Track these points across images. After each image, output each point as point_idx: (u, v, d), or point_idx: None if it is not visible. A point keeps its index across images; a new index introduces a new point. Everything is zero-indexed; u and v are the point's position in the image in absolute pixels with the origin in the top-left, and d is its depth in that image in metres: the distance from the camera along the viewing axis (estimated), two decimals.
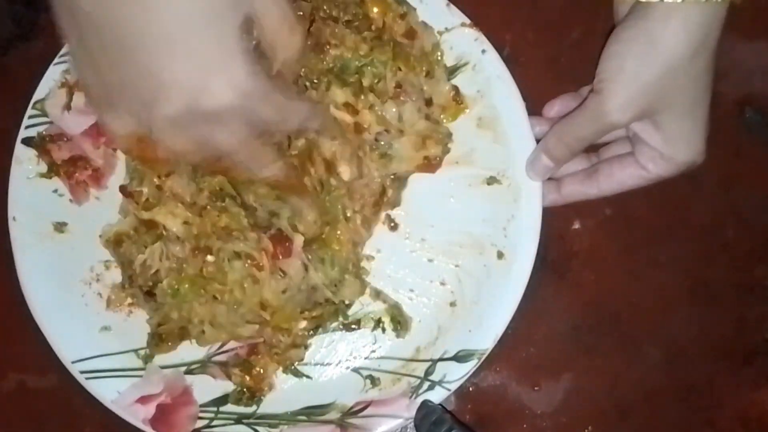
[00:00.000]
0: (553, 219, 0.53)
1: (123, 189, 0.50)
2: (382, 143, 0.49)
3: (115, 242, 0.50)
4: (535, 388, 0.53)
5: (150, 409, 0.50)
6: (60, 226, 0.52)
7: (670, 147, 0.46)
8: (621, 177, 0.48)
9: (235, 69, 0.35)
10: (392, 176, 0.50)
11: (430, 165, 0.51)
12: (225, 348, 0.51)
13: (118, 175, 0.53)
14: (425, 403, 0.51)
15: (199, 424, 0.50)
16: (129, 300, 0.51)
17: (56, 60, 0.52)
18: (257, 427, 0.50)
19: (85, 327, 0.51)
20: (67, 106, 0.52)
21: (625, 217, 0.54)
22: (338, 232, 0.49)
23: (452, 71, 0.52)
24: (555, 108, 0.52)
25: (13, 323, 0.53)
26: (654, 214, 0.54)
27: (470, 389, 0.53)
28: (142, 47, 0.34)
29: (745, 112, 0.55)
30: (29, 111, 0.52)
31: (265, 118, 0.38)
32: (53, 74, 0.52)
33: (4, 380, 0.54)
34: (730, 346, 0.54)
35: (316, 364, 0.52)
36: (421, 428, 0.51)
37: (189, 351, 0.51)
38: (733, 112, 0.55)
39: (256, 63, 0.36)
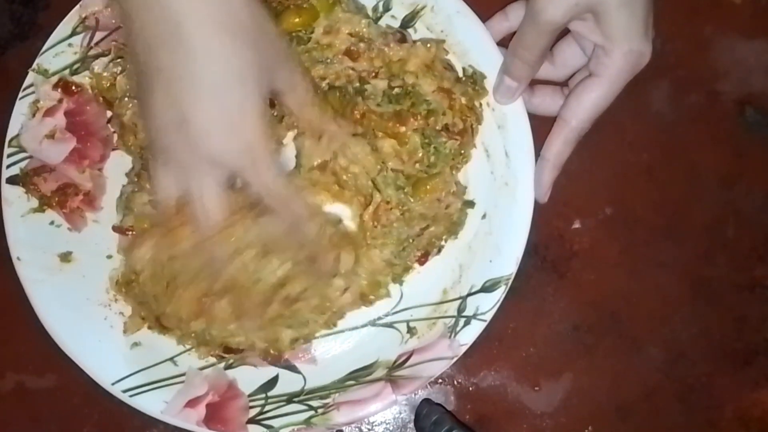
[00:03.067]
0: (553, 218, 0.53)
1: (117, 229, 0.50)
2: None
3: (126, 283, 0.50)
4: (535, 388, 0.53)
5: (201, 411, 0.50)
6: (65, 256, 0.52)
7: (610, 40, 0.46)
8: (583, 96, 0.48)
9: (246, 131, 0.41)
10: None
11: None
12: None
13: (110, 194, 0.53)
14: (426, 403, 0.51)
15: (252, 413, 0.50)
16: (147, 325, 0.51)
17: (21, 94, 0.52)
18: (309, 402, 0.50)
19: (116, 348, 0.51)
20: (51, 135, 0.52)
21: (625, 217, 0.54)
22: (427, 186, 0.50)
23: (411, 18, 0.52)
24: (504, 25, 0.52)
25: (12, 324, 0.53)
26: (654, 214, 0.54)
27: (470, 389, 0.53)
28: (181, 91, 0.40)
29: (745, 112, 0.55)
30: (6, 150, 0.52)
31: (255, 193, 0.43)
32: (21, 108, 0.52)
33: (3, 380, 0.53)
34: (730, 346, 0.54)
35: (353, 329, 0.52)
36: (422, 428, 0.51)
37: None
38: (733, 112, 0.55)
39: (273, 140, 0.43)
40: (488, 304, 0.50)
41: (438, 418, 0.50)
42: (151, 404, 0.50)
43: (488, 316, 0.50)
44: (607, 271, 0.54)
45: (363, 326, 0.52)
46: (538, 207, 0.51)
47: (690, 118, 0.55)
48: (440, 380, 0.53)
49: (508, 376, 0.53)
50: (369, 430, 0.53)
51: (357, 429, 0.53)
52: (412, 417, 0.52)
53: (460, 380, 0.53)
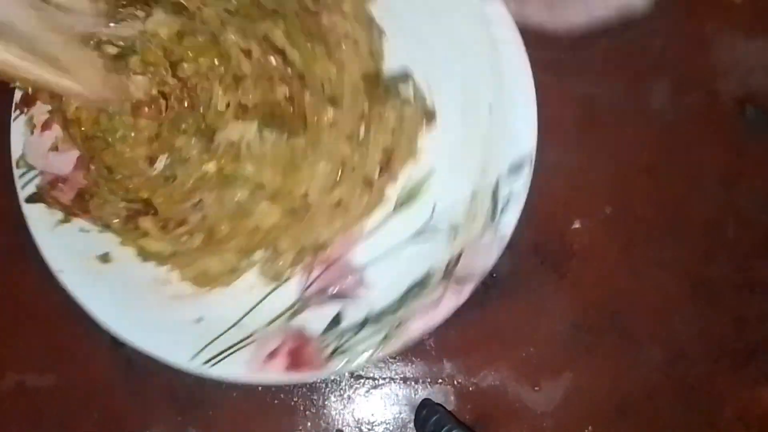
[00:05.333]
0: (553, 218, 0.53)
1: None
2: None
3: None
4: (535, 388, 0.53)
5: (282, 360, 0.50)
6: (105, 257, 0.52)
7: None
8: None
9: None
10: None
11: None
12: (311, 280, 0.52)
13: None
14: (426, 403, 0.52)
15: (329, 350, 0.50)
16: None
17: (14, 115, 0.52)
18: (379, 324, 0.50)
19: (181, 327, 0.51)
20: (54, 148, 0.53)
21: (625, 216, 0.54)
22: None
23: None
24: None
25: (12, 324, 0.53)
26: (654, 213, 0.54)
27: (470, 389, 0.53)
28: None
29: (745, 111, 0.55)
30: (16, 171, 0.52)
31: None
32: (18, 128, 0.52)
33: (3, 380, 0.54)
34: (730, 346, 0.53)
35: (397, 247, 0.52)
36: (422, 428, 0.51)
37: (280, 299, 0.52)
38: (733, 111, 0.55)
39: None
40: (520, 185, 0.51)
41: (438, 418, 0.50)
42: (232, 369, 0.50)
43: (523, 196, 0.50)
44: (607, 271, 0.54)
45: (406, 241, 0.52)
46: (538, 207, 0.51)
47: (690, 118, 0.55)
48: (440, 380, 0.53)
49: (508, 376, 0.53)
50: (369, 430, 0.53)
51: (357, 429, 0.53)
52: (412, 417, 0.52)
53: (460, 380, 0.53)
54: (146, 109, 0.49)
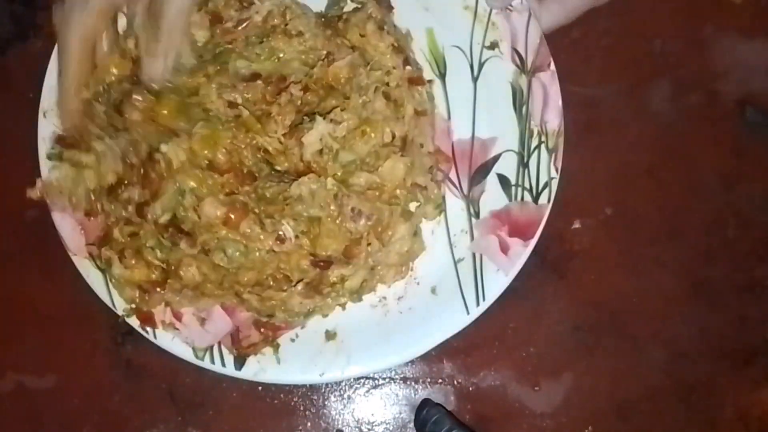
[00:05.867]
0: (553, 218, 0.53)
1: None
2: None
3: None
4: (535, 388, 0.53)
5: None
6: None
7: None
8: None
9: None
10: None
11: None
12: None
13: None
14: (426, 403, 0.51)
15: None
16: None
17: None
18: None
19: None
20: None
21: (625, 217, 0.54)
22: None
23: None
24: None
25: (12, 324, 0.53)
26: (654, 214, 0.54)
27: (470, 389, 0.53)
28: None
29: (745, 112, 0.55)
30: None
31: None
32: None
33: (3, 380, 0.53)
34: (730, 346, 0.54)
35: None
36: (422, 428, 0.51)
37: None
38: (733, 112, 0.55)
39: None
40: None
41: (438, 418, 0.50)
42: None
43: None
44: (607, 271, 0.54)
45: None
46: None
47: (690, 118, 0.55)
48: (440, 380, 0.53)
49: (508, 376, 0.53)
50: (369, 430, 0.53)
51: (357, 429, 0.53)
52: (412, 417, 0.52)
53: (460, 380, 0.53)
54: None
